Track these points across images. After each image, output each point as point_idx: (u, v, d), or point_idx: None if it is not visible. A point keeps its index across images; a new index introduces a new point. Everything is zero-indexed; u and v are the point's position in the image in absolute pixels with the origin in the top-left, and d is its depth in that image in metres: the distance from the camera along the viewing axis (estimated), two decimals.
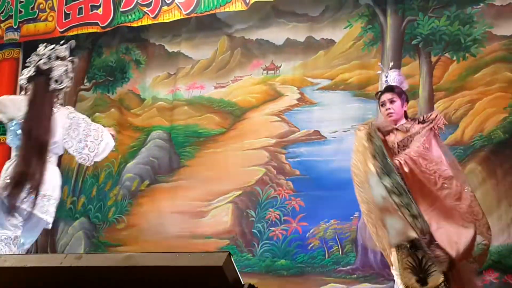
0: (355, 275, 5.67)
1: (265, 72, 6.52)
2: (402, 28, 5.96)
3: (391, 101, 4.55)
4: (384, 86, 4.68)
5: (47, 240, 6.93)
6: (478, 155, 5.49)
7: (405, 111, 4.60)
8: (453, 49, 5.74)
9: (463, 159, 5.49)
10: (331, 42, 6.27)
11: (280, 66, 6.47)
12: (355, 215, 5.73)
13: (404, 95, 4.60)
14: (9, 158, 6.79)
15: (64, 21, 7.07)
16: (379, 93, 4.66)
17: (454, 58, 5.73)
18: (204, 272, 2.11)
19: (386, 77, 4.72)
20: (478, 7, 5.73)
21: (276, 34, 6.54)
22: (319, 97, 6.21)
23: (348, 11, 6.25)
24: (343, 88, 6.15)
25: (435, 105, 5.71)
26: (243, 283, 2.11)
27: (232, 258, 2.10)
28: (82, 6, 6.98)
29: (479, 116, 5.55)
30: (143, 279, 2.20)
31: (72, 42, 4.92)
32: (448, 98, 5.70)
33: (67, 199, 7.17)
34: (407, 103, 4.62)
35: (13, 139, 4.50)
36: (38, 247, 7.05)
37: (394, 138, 4.47)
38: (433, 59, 5.82)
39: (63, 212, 7.15)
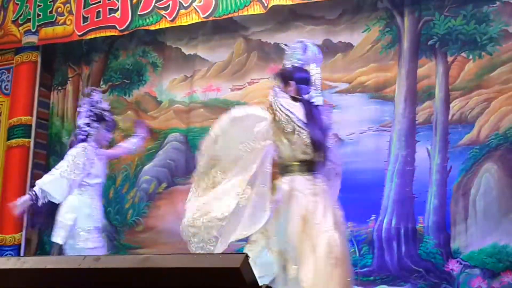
0: (372, 277, 5.67)
1: None
2: (419, 29, 5.95)
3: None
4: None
5: None
6: (494, 154, 5.47)
7: None
8: (469, 48, 5.72)
9: (479, 159, 5.47)
10: (349, 45, 6.26)
11: None
12: (371, 218, 5.74)
13: None
14: (28, 161, 6.89)
15: (82, 24, 7.11)
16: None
17: (470, 57, 5.71)
18: (221, 274, 2.12)
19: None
20: (494, 5, 5.71)
21: (294, 37, 6.49)
22: (337, 100, 6.19)
23: (366, 15, 6.24)
24: (361, 91, 6.14)
25: (451, 105, 5.70)
26: (260, 284, 2.12)
27: (249, 260, 2.12)
28: (100, 9, 7.02)
29: (495, 115, 5.53)
30: (161, 280, 2.21)
31: None
32: (464, 97, 5.68)
33: None
34: None
35: None
36: (62, 249, 7.11)
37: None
38: (449, 59, 5.80)
39: None
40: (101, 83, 7.52)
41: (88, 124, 5.43)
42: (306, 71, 4.14)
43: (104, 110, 5.54)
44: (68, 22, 7.22)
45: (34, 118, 7.46)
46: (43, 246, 7.30)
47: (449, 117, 5.70)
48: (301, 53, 4.19)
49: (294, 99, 4.06)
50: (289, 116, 3.94)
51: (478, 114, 5.61)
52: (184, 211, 4.11)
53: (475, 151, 5.51)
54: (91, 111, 5.45)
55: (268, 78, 6.57)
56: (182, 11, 6.58)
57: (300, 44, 4.25)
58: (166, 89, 7.13)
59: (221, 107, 6.75)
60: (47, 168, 7.47)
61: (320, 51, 4.29)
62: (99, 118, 5.46)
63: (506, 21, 5.65)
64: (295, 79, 4.08)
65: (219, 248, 3.81)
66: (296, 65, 4.16)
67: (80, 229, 5.19)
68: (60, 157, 7.42)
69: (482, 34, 5.69)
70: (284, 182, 3.95)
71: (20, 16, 7.54)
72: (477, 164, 5.49)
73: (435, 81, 5.82)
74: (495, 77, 5.62)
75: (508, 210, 5.26)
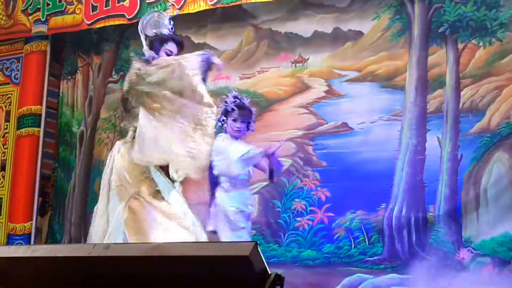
0: (382, 266, 5.66)
1: (293, 65, 6.50)
2: (429, 16, 5.91)
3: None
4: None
5: (81, 231, 6.99)
6: (505, 143, 5.44)
7: None
8: (480, 35, 5.67)
9: (490, 147, 5.44)
10: (359, 33, 6.23)
11: (308, 59, 6.44)
12: (381, 206, 5.73)
13: None
14: (37, 150, 6.89)
15: (91, 13, 7.11)
16: None
17: (481, 44, 5.66)
18: (231, 262, 2.12)
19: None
20: None
21: (304, 26, 6.51)
22: (346, 89, 6.17)
23: (376, 2, 6.19)
24: (371, 80, 6.11)
25: (462, 93, 5.66)
26: (270, 273, 2.12)
27: (259, 248, 2.11)
28: None
29: (506, 103, 5.49)
30: (170, 268, 2.21)
31: None
32: (475, 85, 5.64)
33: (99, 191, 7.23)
34: None
35: None
36: (72, 238, 7.14)
37: None
38: (460, 46, 5.75)
39: (96, 204, 7.22)
40: (113, 73, 7.52)
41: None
42: None
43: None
44: (77, 11, 7.22)
45: (43, 108, 7.47)
46: (54, 235, 7.32)
47: (460, 105, 5.67)
48: None
49: None
50: None
51: (489, 102, 5.57)
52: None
53: (486, 140, 5.48)
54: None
55: (278, 67, 6.57)
56: None
57: None
58: None
59: None
60: (56, 158, 7.51)
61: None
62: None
63: None
64: None
65: None
66: None
67: None
68: (70, 146, 7.47)
69: (493, 20, 5.64)
70: None
71: (29, 5, 7.54)
72: (488, 152, 5.46)
73: (445, 69, 5.78)
74: (505, 64, 5.57)
75: None
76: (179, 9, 6.63)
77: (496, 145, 5.45)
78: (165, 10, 6.69)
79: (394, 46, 6.06)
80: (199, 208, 4.70)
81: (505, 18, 5.59)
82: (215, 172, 4.75)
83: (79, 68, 7.71)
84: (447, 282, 5.21)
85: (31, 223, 7.15)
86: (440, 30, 5.84)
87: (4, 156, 7.66)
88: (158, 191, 4.41)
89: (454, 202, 5.51)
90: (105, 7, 7.03)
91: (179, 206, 4.42)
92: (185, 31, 7.11)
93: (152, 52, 4.65)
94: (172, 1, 6.64)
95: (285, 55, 6.56)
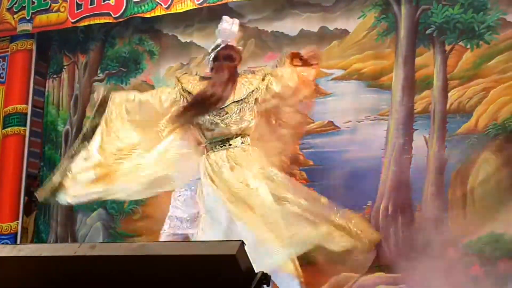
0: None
1: None
2: (416, 18, 5.92)
3: None
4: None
5: (67, 231, 6.98)
6: (492, 144, 5.46)
7: None
8: (467, 37, 5.69)
9: (477, 148, 5.46)
10: (345, 32, 6.23)
11: None
12: (368, 204, 5.73)
13: None
14: (23, 149, 6.86)
15: (76, 11, 7.08)
16: None
17: (468, 47, 5.67)
18: (217, 261, 2.12)
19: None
20: None
21: (291, 25, 6.50)
22: (333, 88, 6.16)
23: (362, 1, 6.20)
24: (357, 78, 6.10)
25: (449, 94, 5.68)
26: (256, 271, 2.12)
27: (245, 247, 2.11)
28: None
29: (493, 105, 5.51)
30: (157, 267, 2.21)
31: None
32: (462, 87, 5.66)
33: None
34: None
35: None
36: (58, 237, 7.12)
37: None
38: (447, 48, 5.76)
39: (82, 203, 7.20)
40: (99, 71, 7.50)
41: None
42: None
43: None
44: (62, 9, 7.19)
45: (29, 107, 7.44)
46: (40, 235, 7.29)
47: (447, 106, 5.68)
48: None
49: None
50: None
51: (476, 104, 5.58)
52: None
53: (473, 141, 5.50)
54: None
55: (265, 66, 6.55)
56: None
57: None
58: (164, 77, 7.10)
59: None
60: (42, 157, 7.48)
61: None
62: None
63: (504, 10, 5.60)
64: None
65: None
66: None
67: None
68: (55, 145, 7.44)
69: (480, 23, 5.65)
70: None
71: (15, 3, 7.51)
72: (475, 153, 5.48)
73: (433, 70, 5.79)
74: (493, 66, 5.59)
75: (506, 199, 5.26)
76: (167, 8, 6.63)
77: (483, 147, 5.47)
78: (152, 9, 6.69)
79: (380, 46, 6.06)
80: None
81: (492, 21, 5.61)
82: None
83: (65, 67, 7.68)
84: (434, 281, 5.22)
85: (17, 223, 7.11)
86: (428, 31, 5.85)
87: None
88: None
89: (441, 202, 5.53)
90: (90, 5, 7.00)
91: None
92: (173, 31, 7.11)
93: None
94: (159, 0, 6.63)
95: (272, 54, 6.55)
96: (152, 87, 7.13)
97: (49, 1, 7.27)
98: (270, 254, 4.03)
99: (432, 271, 5.35)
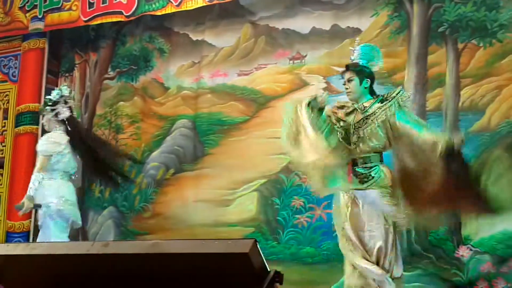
0: None
1: (291, 62, 6.49)
2: (429, 16, 5.90)
3: (349, 80, 4.55)
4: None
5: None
6: (504, 142, 5.42)
7: (370, 88, 4.58)
8: (480, 35, 5.66)
9: (490, 146, 5.43)
10: (357, 30, 6.21)
11: (306, 56, 6.43)
12: None
13: (363, 72, 4.55)
14: (35, 147, 6.88)
15: (88, 10, 7.09)
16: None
17: (481, 45, 5.65)
18: (230, 259, 2.11)
19: (354, 53, 4.68)
20: None
21: (302, 23, 6.49)
22: None
23: None
24: None
25: (462, 92, 5.65)
26: (269, 270, 2.11)
27: (258, 245, 2.10)
28: None
29: (506, 103, 5.49)
30: (169, 266, 2.20)
31: None
32: (475, 85, 5.63)
33: (95, 188, 7.24)
34: (370, 79, 4.57)
35: None
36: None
37: (352, 118, 4.51)
38: (460, 46, 5.74)
39: (92, 202, 7.24)
40: (109, 69, 7.52)
41: None
42: None
43: None
44: (74, 8, 7.20)
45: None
46: None
47: (459, 104, 5.66)
48: None
49: None
50: None
51: (489, 102, 5.56)
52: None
53: (486, 139, 5.47)
54: None
55: (276, 63, 6.55)
56: None
57: None
58: (174, 76, 7.11)
59: (228, 92, 6.74)
60: None
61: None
62: None
63: None
64: None
65: None
66: None
67: None
68: None
69: (493, 21, 5.63)
70: None
71: (27, 2, 7.53)
72: (488, 151, 5.44)
73: (445, 68, 5.77)
74: (505, 64, 5.56)
75: None
76: (177, 6, 6.63)
77: (496, 144, 5.43)
78: (163, 7, 6.69)
79: (392, 44, 6.05)
80: None
81: (505, 19, 5.58)
82: None
83: (77, 65, 7.71)
84: (446, 279, 5.22)
85: (30, 221, 7.13)
86: (440, 29, 5.83)
87: (2, 153, 7.65)
88: None
89: None
90: (102, 4, 7.02)
91: None
92: (183, 29, 7.11)
93: None
94: None
95: (282, 52, 6.55)
96: (162, 85, 7.15)
97: (61, 0, 7.28)
98: None
99: (443, 269, 5.34)
